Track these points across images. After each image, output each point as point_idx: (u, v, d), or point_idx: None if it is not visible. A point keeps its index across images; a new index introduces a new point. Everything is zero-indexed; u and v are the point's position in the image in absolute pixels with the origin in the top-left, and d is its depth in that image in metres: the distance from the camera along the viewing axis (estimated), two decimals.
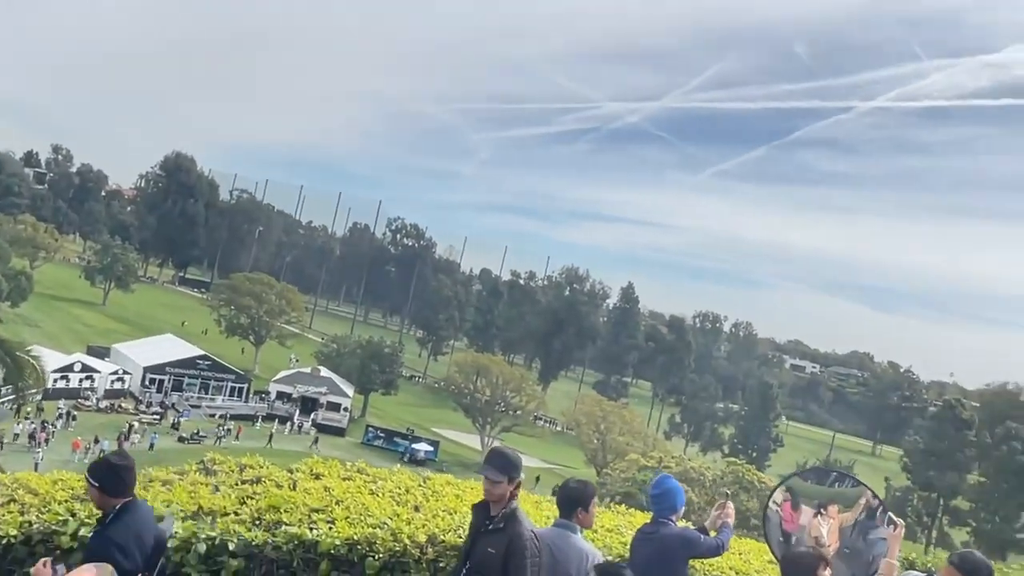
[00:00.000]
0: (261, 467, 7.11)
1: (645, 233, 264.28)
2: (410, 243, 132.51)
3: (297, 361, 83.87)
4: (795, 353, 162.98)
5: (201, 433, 56.69)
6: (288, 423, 66.11)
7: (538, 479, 58.59)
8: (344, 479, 7.10)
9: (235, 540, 5.32)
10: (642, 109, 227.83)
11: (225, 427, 59.30)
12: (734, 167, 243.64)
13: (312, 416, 68.10)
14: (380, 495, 6.69)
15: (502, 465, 4.60)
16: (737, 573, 5.84)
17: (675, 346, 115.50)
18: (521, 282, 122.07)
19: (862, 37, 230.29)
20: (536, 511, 6.85)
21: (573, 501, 5.00)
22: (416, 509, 6.39)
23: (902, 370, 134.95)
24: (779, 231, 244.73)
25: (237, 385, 70.02)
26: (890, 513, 5.17)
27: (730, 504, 5.25)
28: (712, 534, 5.10)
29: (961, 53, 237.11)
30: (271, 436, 59.15)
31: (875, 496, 5.55)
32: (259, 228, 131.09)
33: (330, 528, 5.58)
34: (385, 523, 5.83)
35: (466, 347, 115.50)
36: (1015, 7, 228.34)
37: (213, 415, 63.97)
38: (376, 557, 5.44)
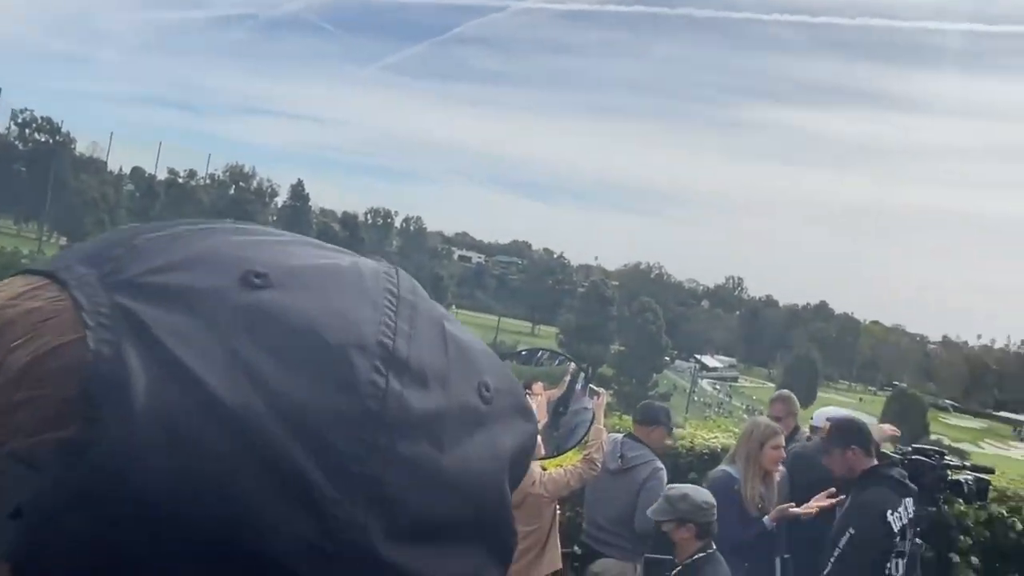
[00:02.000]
0: None
1: (314, 129, 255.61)
2: (43, 138, 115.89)
3: None
4: (462, 245, 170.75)
5: None
6: None
7: None
8: None
9: None
10: None
11: None
12: (399, 62, 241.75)
13: None
14: None
15: None
16: None
17: (348, 243, 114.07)
18: (180, 181, 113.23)
19: None
20: None
21: None
22: None
23: (555, 256, 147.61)
24: (444, 127, 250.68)
25: None
26: (591, 385, 5.70)
27: None
28: None
29: None
30: None
31: (579, 369, 6.07)
32: None
33: None
34: None
35: None
36: None
37: None
38: None
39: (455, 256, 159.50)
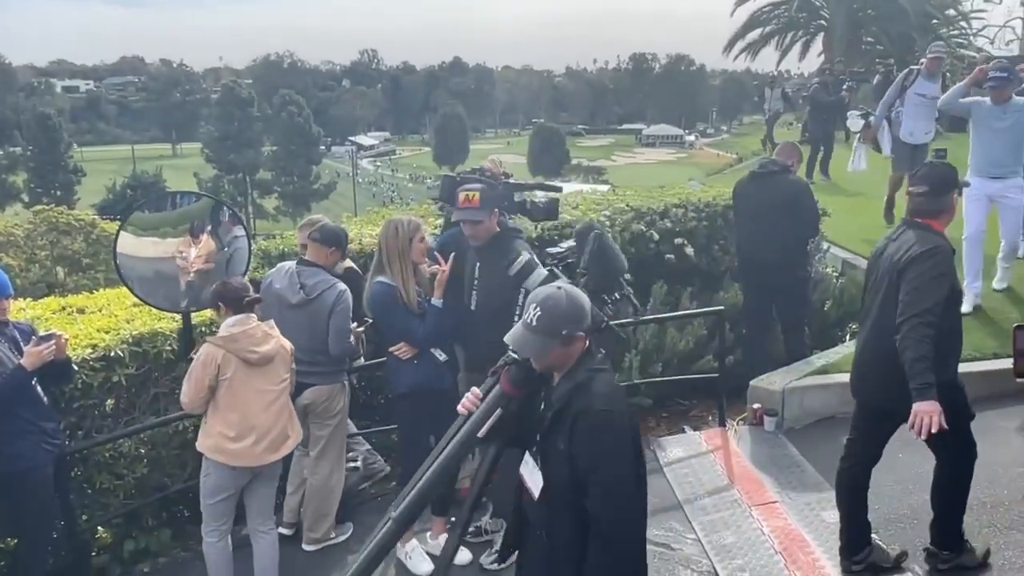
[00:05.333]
0: None
1: None
2: None
3: None
4: (63, 74, 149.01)
5: None
6: None
7: None
8: None
9: None
10: None
11: None
12: None
13: None
14: None
15: None
16: (107, 332, 5.36)
17: None
18: None
19: None
20: None
21: None
22: None
23: (175, 65, 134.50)
24: None
25: None
26: (234, 210, 5.34)
27: None
28: None
29: None
30: None
31: (218, 202, 5.68)
32: None
33: None
34: None
35: None
36: None
37: None
38: None
39: (58, 89, 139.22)
